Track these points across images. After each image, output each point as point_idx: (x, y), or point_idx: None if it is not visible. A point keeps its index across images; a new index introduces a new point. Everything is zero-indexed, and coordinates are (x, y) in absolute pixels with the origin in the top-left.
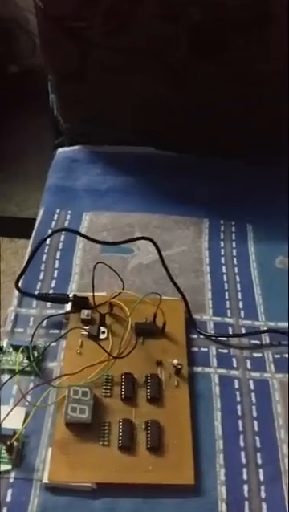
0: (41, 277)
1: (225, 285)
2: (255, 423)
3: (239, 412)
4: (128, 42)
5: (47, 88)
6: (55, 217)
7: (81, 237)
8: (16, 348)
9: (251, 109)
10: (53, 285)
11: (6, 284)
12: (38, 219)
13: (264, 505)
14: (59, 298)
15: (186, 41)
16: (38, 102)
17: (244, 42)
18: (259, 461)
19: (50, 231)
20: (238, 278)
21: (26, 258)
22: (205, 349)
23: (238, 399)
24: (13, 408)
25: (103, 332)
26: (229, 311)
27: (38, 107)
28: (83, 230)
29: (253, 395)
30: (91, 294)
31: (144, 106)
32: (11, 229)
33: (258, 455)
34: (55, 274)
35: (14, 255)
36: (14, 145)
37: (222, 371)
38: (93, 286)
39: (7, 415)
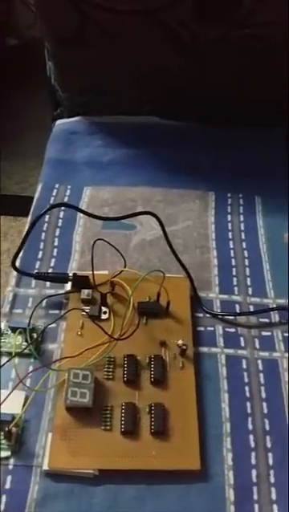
0: (40, 255)
1: (233, 261)
2: (264, 405)
3: (247, 394)
4: (128, 3)
5: (45, 57)
6: (54, 192)
7: (81, 213)
8: (14, 330)
9: (257, 77)
10: (52, 264)
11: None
12: (37, 195)
13: (273, 491)
14: (59, 278)
15: (190, 2)
16: (38, 75)
17: (251, 4)
18: (268, 445)
19: (47, 207)
20: (246, 254)
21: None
22: (212, 328)
23: (246, 380)
24: (10, 393)
25: (105, 312)
26: (236, 288)
27: (37, 81)
28: (83, 206)
29: (261, 375)
30: (92, 272)
31: (147, 73)
32: (14, 208)
33: (267, 438)
34: (55, 253)
35: (18, 234)
36: (14, 121)
37: (229, 351)
38: (92, 265)
39: (5, 399)
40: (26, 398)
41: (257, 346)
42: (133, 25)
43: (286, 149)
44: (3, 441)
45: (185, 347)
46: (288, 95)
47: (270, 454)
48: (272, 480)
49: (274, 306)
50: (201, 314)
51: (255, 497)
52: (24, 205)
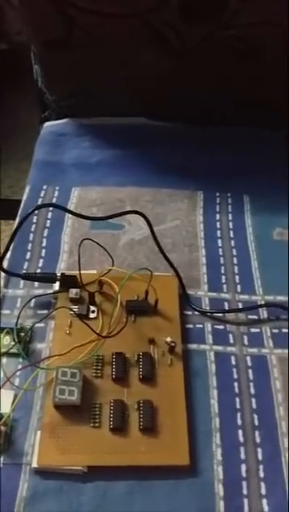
0: (28, 256)
1: (221, 259)
2: (253, 400)
3: (236, 390)
4: (114, 5)
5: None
6: (42, 193)
7: (69, 214)
8: (1, 330)
9: (248, 78)
10: (41, 264)
11: None
12: (24, 197)
13: (263, 485)
14: (47, 278)
15: (176, 3)
16: (28, 78)
17: (237, 5)
18: (257, 440)
19: (34, 207)
20: (234, 252)
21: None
22: (200, 325)
23: (235, 376)
24: None
25: (93, 311)
26: (225, 286)
27: (27, 84)
28: (71, 206)
29: (250, 371)
30: (81, 272)
31: (134, 75)
32: (4, 212)
33: (256, 433)
34: (43, 253)
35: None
36: (4, 125)
37: (218, 347)
38: (79, 264)
39: None
40: (15, 397)
41: (246, 342)
42: (120, 27)
43: (272, 148)
44: None
45: (173, 345)
46: (275, 96)
47: (259, 449)
48: (261, 474)
49: (263, 303)
50: (189, 312)
51: (245, 491)
52: (15, 208)
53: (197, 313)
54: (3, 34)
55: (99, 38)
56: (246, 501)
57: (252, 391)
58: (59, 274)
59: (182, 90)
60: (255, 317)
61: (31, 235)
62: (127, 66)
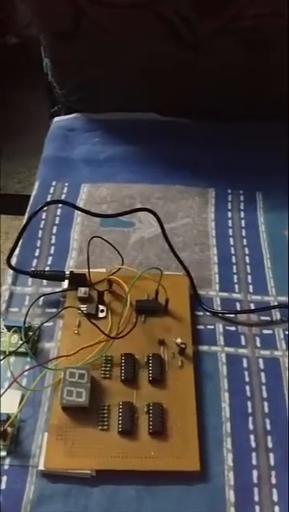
0: (37, 253)
1: (233, 258)
2: (265, 404)
3: (248, 393)
4: None
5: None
6: (51, 189)
7: (78, 211)
8: (9, 329)
9: (259, 71)
10: (49, 262)
11: None
12: (34, 192)
13: (274, 492)
14: (55, 276)
15: None
16: (38, 73)
17: None
18: (269, 445)
19: (42, 204)
20: (246, 251)
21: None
22: (212, 327)
23: (247, 379)
24: (4, 391)
25: (102, 311)
26: (237, 286)
27: (37, 79)
28: (80, 203)
29: (262, 374)
30: (90, 270)
31: (144, 67)
32: (14, 207)
33: (269, 438)
34: (52, 251)
35: None
36: (15, 120)
37: (230, 349)
38: (88, 263)
39: None
40: (22, 397)
41: (258, 344)
42: (130, 18)
43: (285, 144)
44: None
45: (184, 346)
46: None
47: (271, 455)
48: (273, 481)
49: (276, 303)
50: (200, 313)
51: (256, 498)
52: (24, 203)
53: (208, 313)
54: (13, 28)
55: (108, 30)
56: (257, 508)
57: (264, 394)
58: (67, 272)
59: (192, 84)
60: (268, 318)
61: (40, 232)
62: (136, 58)
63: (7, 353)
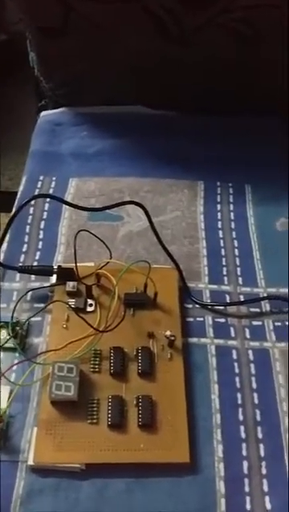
0: (24, 249)
1: (222, 251)
2: (255, 395)
3: (238, 385)
4: None
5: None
6: (39, 184)
7: (66, 205)
8: None
9: (248, 64)
10: (37, 257)
11: None
12: (21, 188)
13: (265, 482)
14: (43, 271)
15: None
16: (26, 68)
17: None
18: (260, 436)
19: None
20: (236, 243)
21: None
22: (201, 319)
23: (237, 370)
24: None
25: (91, 305)
26: (226, 278)
27: (25, 75)
28: (69, 197)
29: (252, 365)
30: (78, 264)
31: (132, 62)
32: (4, 204)
33: (259, 429)
34: (40, 246)
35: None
36: (3, 117)
37: (219, 341)
38: (75, 257)
39: None
40: (11, 393)
41: (247, 336)
42: (117, 13)
43: (274, 137)
44: None
45: (173, 338)
46: (276, 83)
47: (261, 445)
48: (264, 471)
49: (265, 295)
50: (190, 305)
51: (247, 489)
52: (14, 200)
53: (197, 306)
54: (2, 25)
55: (96, 24)
56: (248, 498)
57: (254, 385)
58: (55, 267)
59: (181, 77)
60: (257, 310)
61: (28, 227)
62: (124, 53)
63: None
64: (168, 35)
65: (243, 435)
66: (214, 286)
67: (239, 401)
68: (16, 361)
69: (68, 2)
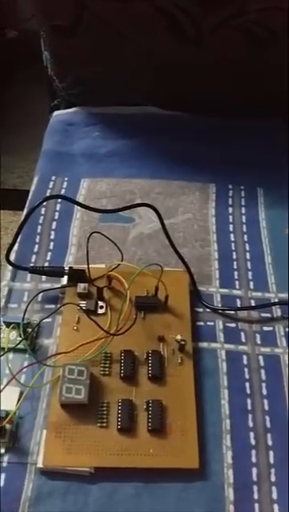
0: (36, 249)
1: (234, 254)
2: (265, 401)
3: (248, 390)
4: None
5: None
6: (51, 184)
7: (78, 206)
8: (8, 325)
9: (261, 67)
10: (48, 257)
11: None
12: (33, 187)
13: (274, 490)
14: (54, 272)
15: None
16: (38, 67)
17: None
18: (269, 443)
19: (42, 199)
20: (247, 247)
21: None
22: (212, 323)
23: (247, 376)
24: (3, 389)
25: (102, 307)
26: (237, 283)
27: (37, 73)
28: (80, 198)
29: (263, 371)
30: (89, 266)
31: (146, 62)
32: (13, 202)
33: (268, 436)
34: (51, 246)
35: None
36: (14, 114)
37: (230, 346)
38: (87, 258)
39: None
40: (21, 394)
41: (258, 341)
42: (132, 12)
43: (286, 140)
44: None
45: (183, 343)
46: None
47: (271, 452)
48: (273, 479)
49: (276, 300)
50: (200, 309)
51: (256, 496)
52: (24, 198)
53: (208, 310)
54: (13, 22)
55: (110, 24)
56: (256, 506)
57: (264, 392)
58: (66, 268)
59: (195, 79)
60: (268, 315)
61: (39, 227)
62: (138, 53)
63: (6, 350)
64: (183, 36)
65: (253, 441)
66: (225, 290)
67: (249, 407)
68: (26, 362)
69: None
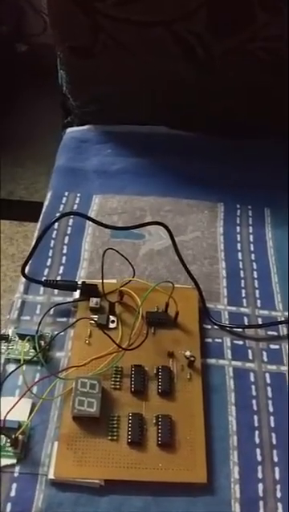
0: (48, 263)
1: (241, 272)
2: (271, 418)
3: (255, 407)
4: (140, 14)
5: (56, 65)
6: (64, 200)
7: (90, 222)
8: (22, 337)
9: (268, 91)
10: (61, 271)
11: (15, 269)
12: (46, 202)
13: (280, 506)
14: (67, 286)
15: (204, 15)
16: (48, 81)
17: (266, 18)
18: (275, 459)
19: (58, 215)
20: (254, 266)
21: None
22: (220, 340)
23: (254, 393)
24: (18, 401)
25: (113, 322)
26: (245, 300)
27: (47, 87)
28: (92, 214)
29: (269, 389)
30: (101, 281)
31: (158, 83)
32: (20, 213)
33: (274, 452)
34: (63, 260)
35: (24, 239)
36: (23, 126)
37: (237, 363)
38: (102, 274)
39: (12, 407)
40: (33, 406)
41: (265, 359)
42: (146, 36)
43: None
44: (9, 449)
45: (192, 359)
46: None
47: (276, 468)
48: (278, 495)
49: (283, 319)
50: (209, 326)
51: (261, 511)
52: (31, 210)
53: (216, 327)
54: (23, 36)
55: (124, 46)
56: None
57: (270, 409)
58: (79, 282)
59: (206, 100)
60: (275, 333)
61: (52, 241)
62: (151, 74)
63: (22, 362)
64: (196, 59)
65: (259, 458)
66: (233, 308)
67: (256, 424)
68: (38, 374)
69: (98, 22)
